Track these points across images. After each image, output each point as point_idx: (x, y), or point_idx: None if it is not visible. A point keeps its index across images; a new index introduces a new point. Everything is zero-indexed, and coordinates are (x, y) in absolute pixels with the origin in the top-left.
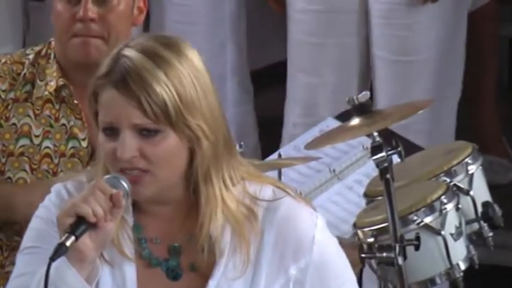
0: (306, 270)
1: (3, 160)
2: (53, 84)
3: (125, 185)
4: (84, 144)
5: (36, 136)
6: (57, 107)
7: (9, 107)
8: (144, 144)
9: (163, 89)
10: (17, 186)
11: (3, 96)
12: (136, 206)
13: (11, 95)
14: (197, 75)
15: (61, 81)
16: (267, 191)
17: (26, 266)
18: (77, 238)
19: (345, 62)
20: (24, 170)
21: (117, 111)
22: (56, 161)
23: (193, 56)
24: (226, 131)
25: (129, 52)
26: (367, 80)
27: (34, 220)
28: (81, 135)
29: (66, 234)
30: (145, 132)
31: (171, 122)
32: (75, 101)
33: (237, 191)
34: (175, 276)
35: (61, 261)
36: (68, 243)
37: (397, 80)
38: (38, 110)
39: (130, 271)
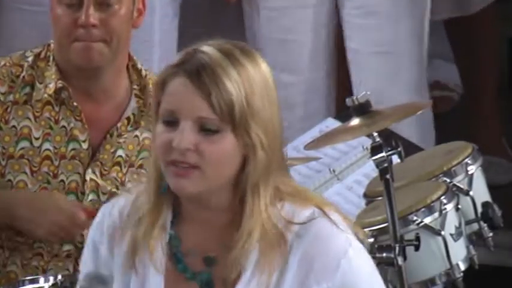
0: None
1: (3, 163)
2: (51, 87)
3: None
4: (85, 145)
5: (36, 138)
6: (56, 109)
7: (9, 109)
8: (201, 140)
9: (234, 87)
10: (19, 195)
11: (2, 99)
12: (179, 216)
13: (10, 97)
14: (267, 87)
15: (60, 84)
16: (304, 213)
17: None
18: None
19: (317, 58)
20: (25, 173)
21: (184, 100)
22: (56, 163)
23: (266, 70)
24: (281, 149)
25: (206, 49)
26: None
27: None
28: (81, 137)
29: None
30: (205, 130)
31: (234, 123)
32: (75, 103)
33: (272, 212)
34: None
35: None
36: None
37: (370, 72)
38: (37, 112)
39: (158, 283)
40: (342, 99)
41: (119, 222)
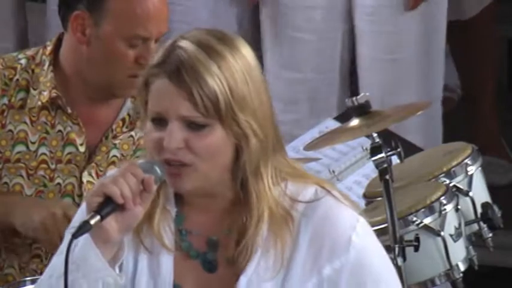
0: (340, 271)
1: None
2: (46, 95)
3: (159, 171)
4: (82, 149)
5: (33, 143)
6: (52, 113)
7: (5, 113)
8: (190, 136)
9: (216, 82)
10: (18, 196)
11: None
12: (180, 197)
13: (4, 100)
14: (250, 71)
15: (54, 93)
16: (308, 192)
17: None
18: (102, 218)
19: (326, 58)
20: (21, 176)
21: (167, 101)
22: (52, 167)
23: (247, 52)
24: (275, 129)
25: (184, 43)
26: (349, 78)
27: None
28: (78, 141)
29: (92, 213)
30: (193, 125)
31: (221, 116)
32: (69, 111)
33: (277, 192)
34: (211, 269)
35: (85, 240)
36: (92, 222)
37: (381, 78)
38: (34, 117)
39: (168, 262)
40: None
41: None
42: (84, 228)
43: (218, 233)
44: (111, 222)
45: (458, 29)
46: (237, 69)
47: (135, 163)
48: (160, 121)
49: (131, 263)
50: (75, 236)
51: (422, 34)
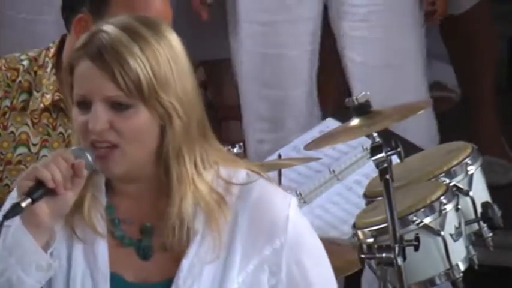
0: (281, 251)
1: (0, 168)
2: (48, 98)
3: (89, 157)
4: None
5: (34, 145)
6: (54, 115)
7: (7, 115)
8: (115, 118)
9: (138, 63)
10: None
11: None
12: (109, 187)
13: (6, 102)
14: (174, 57)
15: (57, 96)
16: (240, 175)
17: None
18: (33, 201)
19: (308, 71)
20: None
21: (90, 82)
22: None
23: (173, 39)
24: (201, 114)
25: (108, 28)
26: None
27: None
28: None
29: (23, 196)
30: (117, 106)
31: (144, 97)
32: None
33: (209, 176)
34: (145, 256)
35: (17, 226)
36: (23, 204)
37: (376, 86)
38: (35, 119)
39: (102, 249)
40: (335, 101)
41: None
42: (15, 209)
43: (151, 219)
44: (43, 207)
45: (453, 28)
46: (161, 53)
47: (66, 149)
48: (85, 104)
49: (65, 253)
50: (6, 216)
51: (417, 39)
